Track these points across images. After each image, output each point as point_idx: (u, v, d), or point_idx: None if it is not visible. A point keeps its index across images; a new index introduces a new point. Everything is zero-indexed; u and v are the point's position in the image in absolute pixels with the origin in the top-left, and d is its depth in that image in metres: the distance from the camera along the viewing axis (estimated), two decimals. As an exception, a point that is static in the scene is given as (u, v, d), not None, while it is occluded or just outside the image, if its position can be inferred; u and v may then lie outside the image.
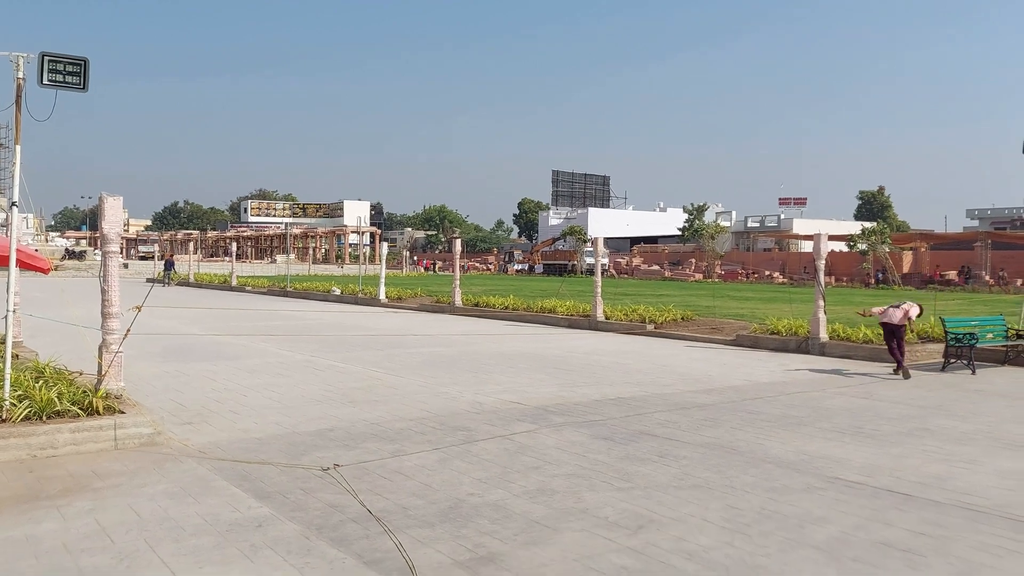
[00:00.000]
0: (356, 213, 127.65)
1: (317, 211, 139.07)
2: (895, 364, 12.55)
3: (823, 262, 15.84)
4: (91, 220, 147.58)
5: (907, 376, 12.17)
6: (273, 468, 6.19)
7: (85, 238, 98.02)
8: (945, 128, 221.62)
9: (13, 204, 6.90)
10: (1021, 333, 14.14)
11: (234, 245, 47.19)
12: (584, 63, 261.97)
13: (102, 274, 7.85)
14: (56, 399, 6.50)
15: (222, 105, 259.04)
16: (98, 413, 6.62)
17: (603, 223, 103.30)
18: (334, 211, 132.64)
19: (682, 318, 19.48)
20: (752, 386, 11.19)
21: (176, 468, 6.12)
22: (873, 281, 51.67)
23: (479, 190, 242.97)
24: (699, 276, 64.18)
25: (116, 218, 7.70)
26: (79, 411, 6.56)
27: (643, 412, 9.03)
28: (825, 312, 15.45)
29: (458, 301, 24.29)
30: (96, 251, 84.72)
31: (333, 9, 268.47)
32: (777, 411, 9.31)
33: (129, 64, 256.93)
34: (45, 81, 6.73)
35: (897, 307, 12.70)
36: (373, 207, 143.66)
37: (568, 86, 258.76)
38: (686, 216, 78.67)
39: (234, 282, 38.74)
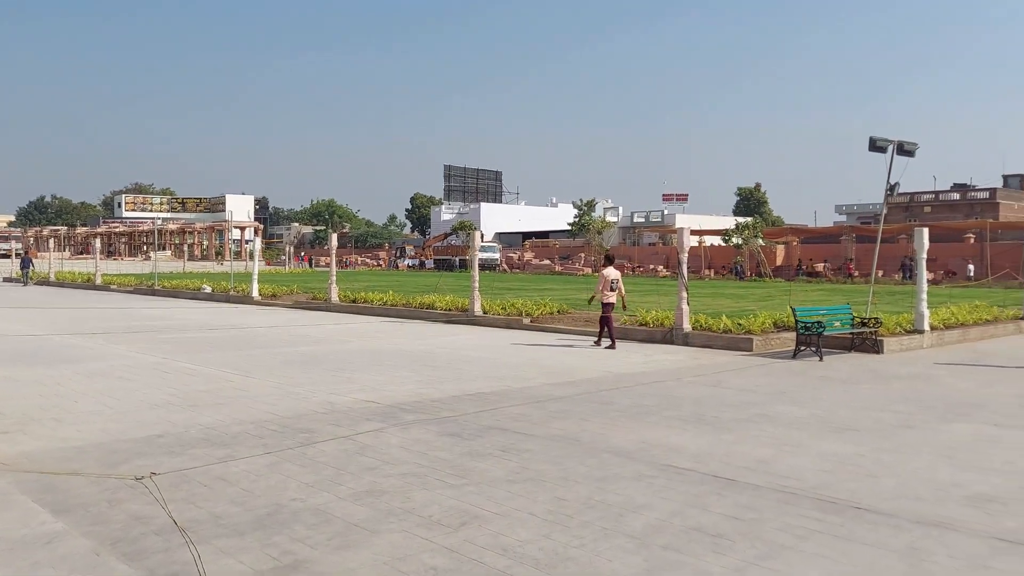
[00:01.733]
0: (240, 207, 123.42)
1: (197, 206, 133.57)
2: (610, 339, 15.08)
3: (685, 255, 16.34)
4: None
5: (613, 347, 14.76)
6: (83, 479, 5.78)
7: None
8: (818, 126, 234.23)
9: None
10: (866, 321, 15.01)
11: (97, 241, 44.25)
12: (475, 58, 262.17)
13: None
14: None
15: (92, 92, 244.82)
16: None
17: (496, 218, 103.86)
18: (216, 206, 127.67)
19: (558, 311, 19.70)
20: (612, 377, 11.39)
21: (-31, 484, 5.63)
22: (750, 274, 54.04)
23: (371, 184, 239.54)
24: (588, 270, 65.40)
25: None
26: None
27: (498, 407, 9.01)
28: (688, 303, 15.94)
29: (335, 298, 23.76)
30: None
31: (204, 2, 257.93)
32: (629, 401, 9.49)
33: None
34: None
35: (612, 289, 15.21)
36: (258, 201, 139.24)
37: (460, 81, 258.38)
38: (576, 211, 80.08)
39: (99, 281, 36.59)
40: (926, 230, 16.20)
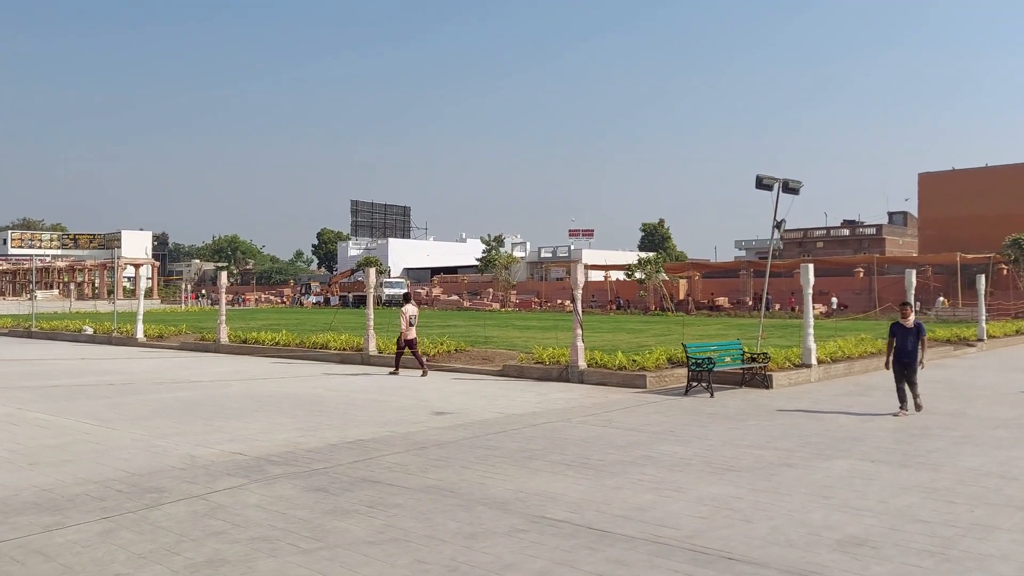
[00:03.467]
0: (137, 244, 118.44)
1: (91, 242, 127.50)
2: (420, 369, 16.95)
3: (580, 291, 16.29)
4: None
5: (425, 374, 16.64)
6: None
7: None
8: (718, 162, 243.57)
9: None
10: (755, 356, 15.23)
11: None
12: (384, 92, 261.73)
13: None
14: None
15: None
16: None
17: (404, 254, 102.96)
18: (111, 242, 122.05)
19: (456, 349, 19.32)
20: (502, 419, 11.07)
21: None
22: (653, 308, 55.04)
23: (277, 220, 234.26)
24: (496, 305, 65.35)
25: None
26: None
27: (376, 455, 8.54)
28: (583, 340, 15.85)
29: (224, 338, 22.70)
30: None
31: (95, 12, 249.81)
32: (515, 445, 9.18)
33: None
34: None
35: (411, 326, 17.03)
36: (157, 237, 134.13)
37: (368, 114, 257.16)
38: (484, 247, 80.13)
39: (-31, 323, 34.07)
40: (811, 266, 16.66)
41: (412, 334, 17.07)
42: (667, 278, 60.11)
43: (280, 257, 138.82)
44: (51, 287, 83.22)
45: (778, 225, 17.35)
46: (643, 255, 66.18)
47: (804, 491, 7.07)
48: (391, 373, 17.02)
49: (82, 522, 5.95)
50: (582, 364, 15.53)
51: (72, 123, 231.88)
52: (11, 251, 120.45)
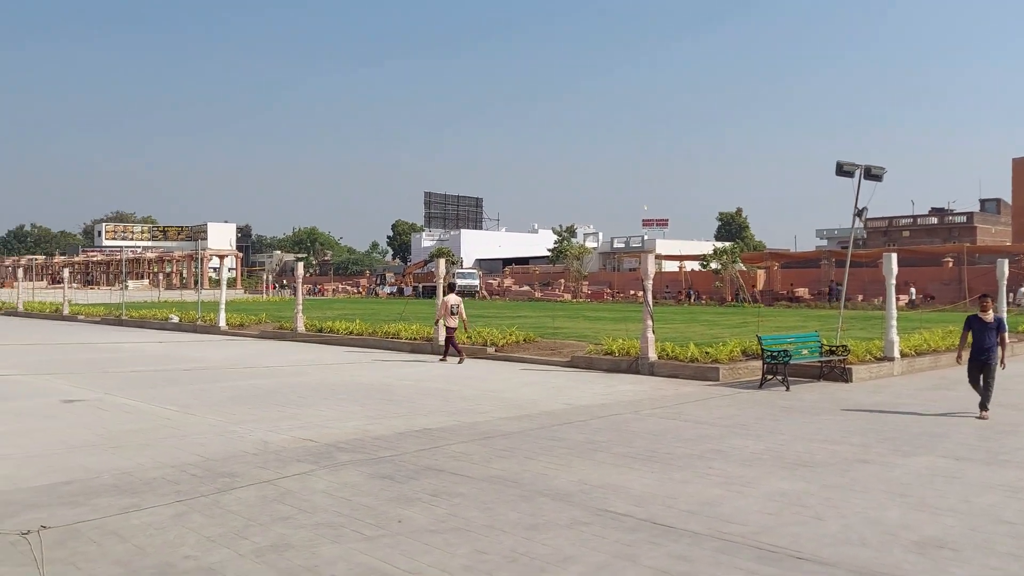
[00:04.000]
0: (222, 235, 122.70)
1: (179, 234, 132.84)
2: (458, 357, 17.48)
3: (650, 282, 16.03)
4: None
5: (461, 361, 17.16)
6: (-40, 537, 5.31)
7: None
8: (799, 151, 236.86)
9: None
10: (834, 349, 14.72)
11: (66, 271, 43.65)
12: (457, 86, 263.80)
13: None
14: None
15: (72, 119, 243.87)
16: None
17: (476, 244, 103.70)
18: (197, 234, 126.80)
19: (524, 340, 19.31)
20: (569, 410, 11.01)
21: None
22: (730, 299, 53.90)
23: (354, 211, 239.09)
24: (568, 296, 65.16)
25: None
26: None
27: (442, 444, 8.60)
28: (654, 331, 15.61)
29: (300, 327, 23.27)
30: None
31: (186, 18, 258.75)
32: (581, 436, 9.10)
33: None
34: None
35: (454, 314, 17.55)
36: (240, 229, 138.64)
37: (443, 108, 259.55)
38: (556, 237, 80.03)
39: (66, 311, 35.85)
40: (894, 255, 15.98)
41: (453, 323, 17.59)
42: (744, 268, 58.77)
43: (357, 248, 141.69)
44: (142, 277, 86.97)
45: (859, 213, 16.70)
46: (719, 245, 64.88)
47: (880, 488, 6.78)
48: (441, 360, 17.65)
49: (157, 505, 6.16)
50: (652, 356, 15.30)
51: (163, 120, 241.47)
52: (105, 243, 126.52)
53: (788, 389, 13.01)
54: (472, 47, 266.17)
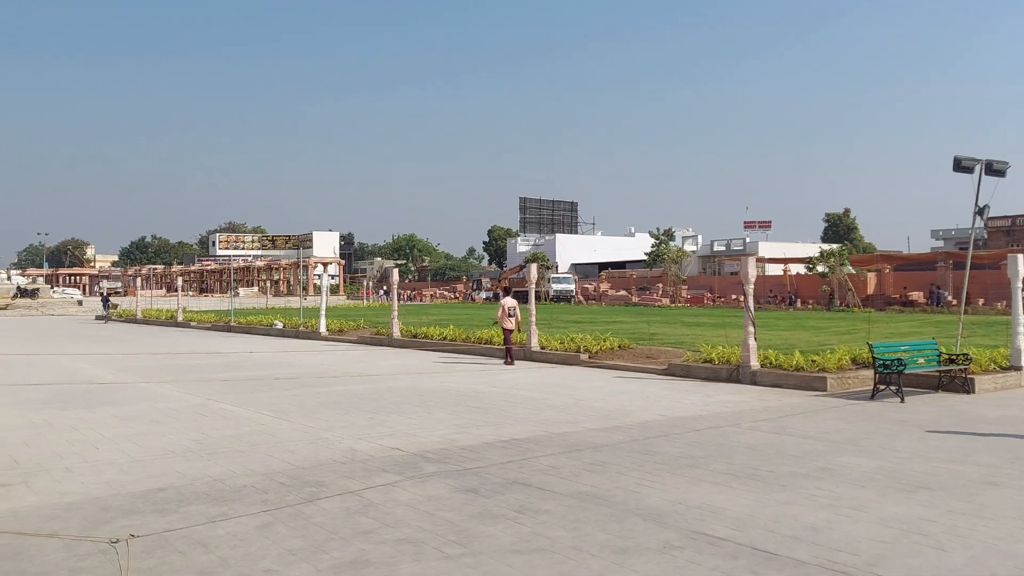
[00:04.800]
0: (326, 244, 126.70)
1: (286, 243, 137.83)
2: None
3: (751, 286, 15.33)
4: (52, 258, 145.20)
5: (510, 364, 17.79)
6: (57, 543, 5.43)
7: (43, 276, 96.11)
8: (911, 148, 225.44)
9: None
10: (954, 357, 13.68)
11: (179, 280, 45.97)
12: (553, 93, 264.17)
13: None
14: None
15: (190, 135, 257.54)
16: None
17: (571, 249, 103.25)
18: (303, 242, 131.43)
19: (619, 347, 18.88)
20: (664, 422, 10.58)
21: (-62, 547, 5.35)
22: (840, 303, 51.56)
23: (451, 218, 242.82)
24: (666, 301, 63.91)
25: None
26: None
27: (530, 456, 8.36)
28: (756, 338, 14.93)
29: (396, 333, 23.55)
30: (57, 289, 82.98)
31: (291, 38, 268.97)
32: (676, 451, 8.68)
33: (100, 97, 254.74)
34: None
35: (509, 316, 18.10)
36: (343, 237, 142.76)
37: (537, 113, 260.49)
38: (653, 241, 78.72)
39: (180, 318, 37.66)
40: (1020, 256, 14.75)
41: (509, 325, 18.18)
42: (853, 271, 56.09)
43: (454, 254, 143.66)
44: (251, 285, 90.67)
45: (980, 211, 15.51)
46: (826, 247, 62.21)
47: (1012, 515, 6.11)
48: (505, 363, 18.15)
49: (244, 514, 6.16)
50: (754, 364, 14.62)
51: (272, 135, 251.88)
52: (219, 252, 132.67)
53: (903, 401, 12.14)
54: (568, 54, 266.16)
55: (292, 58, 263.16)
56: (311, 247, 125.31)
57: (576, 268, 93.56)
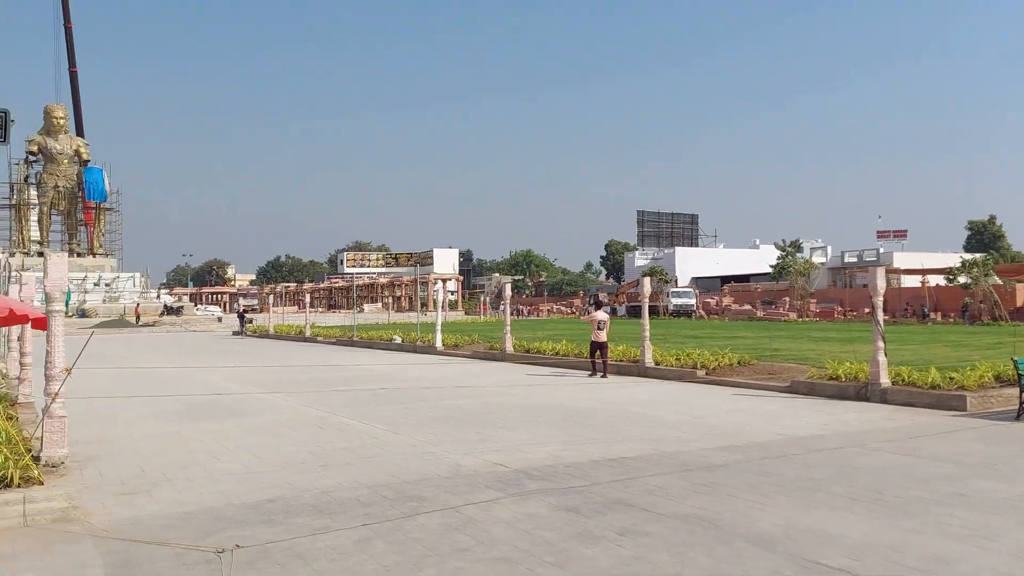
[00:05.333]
0: (446, 260, 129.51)
1: (409, 260, 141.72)
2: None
3: (880, 299, 14.41)
4: (197, 277, 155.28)
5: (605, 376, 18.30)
6: (167, 551, 5.66)
7: (188, 294, 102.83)
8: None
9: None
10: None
11: (308, 296, 48.16)
12: (671, 106, 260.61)
13: (48, 334, 7.55)
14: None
15: (318, 159, 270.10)
16: (12, 485, 6.29)
17: (691, 262, 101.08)
18: (425, 260, 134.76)
19: (738, 363, 18.18)
20: (782, 441, 10.05)
21: (64, 551, 5.68)
22: (984, 316, 47.93)
23: (568, 233, 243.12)
24: (793, 315, 61.38)
25: (60, 275, 7.48)
26: (-9, 484, 6.25)
27: (637, 476, 8.11)
28: (886, 353, 14.01)
29: (509, 348, 23.64)
30: (201, 307, 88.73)
31: (412, 58, 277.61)
32: (794, 472, 8.21)
33: (238, 126, 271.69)
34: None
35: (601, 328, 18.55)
36: (462, 254, 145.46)
37: (655, 126, 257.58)
38: (779, 253, 75.96)
39: (308, 333, 39.35)
40: None
41: (602, 338, 18.62)
42: (999, 282, 52.07)
43: (571, 269, 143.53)
44: (376, 301, 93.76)
45: None
46: (968, 257, 58.07)
47: None
48: (589, 375, 18.61)
49: (345, 527, 6.25)
50: (884, 381, 13.72)
51: (397, 155, 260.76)
52: (346, 270, 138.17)
53: (1055, 422, 11.05)
54: (688, 61, 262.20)
55: (412, 75, 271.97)
56: (432, 264, 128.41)
57: (697, 282, 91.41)
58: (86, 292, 67.47)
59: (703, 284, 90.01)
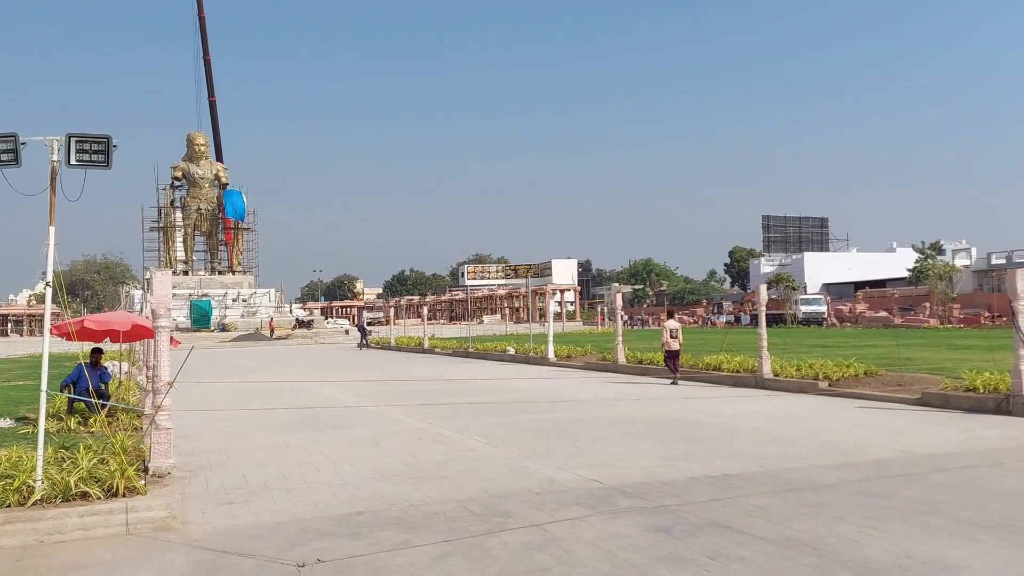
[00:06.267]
0: (564, 271, 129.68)
1: (528, 271, 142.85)
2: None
3: (1021, 303, 13.15)
4: (328, 292, 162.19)
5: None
6: (251, 563, 5.77)
7: (319, 308, 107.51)
8: None
9: (47, 284, 7.22)
10: None
11: (424, 309, 49.16)
12: (793, 106, 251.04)
13: (154, 349, 7.92)
14: (72, 482, 6.57)
15: (440, 174, 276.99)
16: (118, 494, 6.61)
17: (821, 268, 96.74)
18: (543, 271, 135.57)
19: (865, 373, 17.08)
20: (905, 459, 9.29)
21: (159, 560, 5.89)
22: None
23: (690, 240, 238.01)
24: (934, 322, 57.55)
25: (164, 292, 7.85)
26: (99, 492, 6.59)
27: (737, 495, 7.67)
28: (1030, 364, 12.74)
29: (621, 359, 23.22)
30: (331, 320, 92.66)
31: (525, 72, 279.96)
32: (914, 494, 7.54)
33: (363, 144, 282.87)
34: (73, 161, 6.98)
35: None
36: (581, 264, 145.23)
37: (779, 128, 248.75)
38: (917, 256, 71.57)
39: (426, 345, 40.18)
40: None
41: (674, 346, 19.24)
42: None
43: (693, 277, 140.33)
44: (494, 312, 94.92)
45: None
46: None
47: None
48: (671, 383, 18.96)
49: (426, 543, 6.19)
50: (1027, 393, 12.48)
51: (519, 165, 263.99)
52: (467, 282, 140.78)
53: None
54: (817, 57, 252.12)
55: (535, 84, 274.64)
56: (550, 274, 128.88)
57: (828, 288, 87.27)
58: (226, 308, 71.71)
59: (835, 291, 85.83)
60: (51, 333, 8.02)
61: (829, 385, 16.51)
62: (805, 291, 78.53)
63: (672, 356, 19.27)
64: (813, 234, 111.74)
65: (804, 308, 67.00)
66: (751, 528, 6.49)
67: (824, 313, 66.49)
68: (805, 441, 10.76)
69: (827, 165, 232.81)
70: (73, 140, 6.94)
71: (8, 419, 12.37)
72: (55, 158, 6.98)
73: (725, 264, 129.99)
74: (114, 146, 6.89)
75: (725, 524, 6.62)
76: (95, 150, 6.91)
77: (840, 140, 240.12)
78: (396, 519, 6.95)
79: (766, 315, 19.53)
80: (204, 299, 70.48)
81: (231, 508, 7.45)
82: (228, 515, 7.20)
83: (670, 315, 21.56)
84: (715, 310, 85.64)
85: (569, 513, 7.05)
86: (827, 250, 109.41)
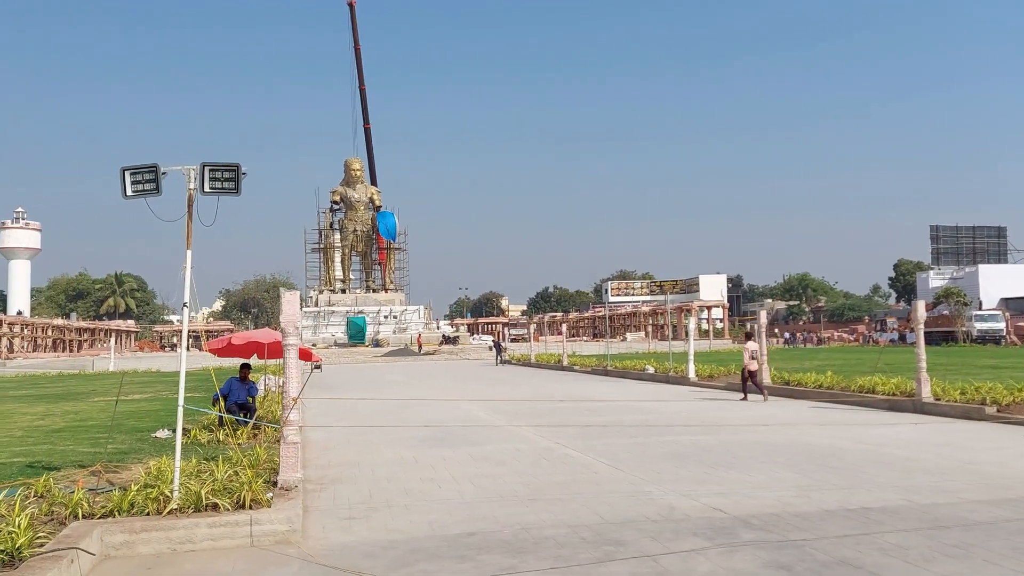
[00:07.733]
0: (712, 287, 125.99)
1: (673, 288, 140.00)
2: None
3: None
4: (475, 309, 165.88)
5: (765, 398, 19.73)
6: (359, 579, 5.89)
7: (466, 325, 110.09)
8: None
9: (184, 305, 7.74)
10: None
11: (564, 327, 49.18)
12: (970, 103, 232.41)
13: (283, 366, 8.33)
14: (203, 493, 6.98)
15: (579, 191, 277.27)
16: (245, 507, 6.96)
17: (998, 281, 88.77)
18: (690, 287, 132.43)
19: (1042, 397, 15.42)
20: (1079, 498, 8.25)
21: (273, 573, 6.13)
22: None
23: (850, 254, 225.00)
24: None
25: (292, 312, 8.21)
26: (228, 504, 6.97)
27: (874, 531, 7.08)
28: None
29: (766, 379, 22.15)
30: (476, 336, 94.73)
31: (665, 89, 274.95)
32: (1085, 540, 6.66)
33: (507, 164, 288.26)
34: (207, 189, 7.47)
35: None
36: (731, 280, 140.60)
37: (951, 129, 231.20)
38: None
39: (565, 362, 40.12)
40: None
41: (753, 366, 20.07)
42: None
43: (855, 293, 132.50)
44: (638, 330, 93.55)
45: None
46: None
47: None
48: (741, 399, 20.10)
49: (532, 570, 6.10)
50: None
51: (664, 179, 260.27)
52: (611, 299, 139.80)
53: None
54: (991, 55, 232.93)
55: (687, 106, 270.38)
56: (697, 291, 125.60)
57: (1007, 303, 79.84)
58: (380, 324, 74.97)
59: (1015, 306, 78.37)
60: (203, 349, 8.61)
61: (998, 411, 15.03)
62: (980, 306, 72.28)
63: (751, 375, 20.07)
64: (989, 245, 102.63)
65: (979, 325, 61.78)
66: (884, 570, 5.96)
67: (1002, 330, 60.98)
68: (960, 472, 9.83)
69: (1005, 169, 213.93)
70: (207, 168, 7.44)
71: (167, 429, 13.38)
72: (191, 186, 7.51)
73: (890, 278, 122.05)
74: (243, 173, 7.33)
75: (855, 564, 6.12)
76: (226, 178, 7.38)
77: (1019, 142, 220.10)
78: (505, 542, 6.90)
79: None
80: (360, 316, 74.02)
81: (351, 524, 7.67)
82: (347, 531, 7.41)
83: (748, 337, 22.67)
84: (878, 327, 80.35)
85: (685, 544, 6.74)
86: (1005, 262, 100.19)
